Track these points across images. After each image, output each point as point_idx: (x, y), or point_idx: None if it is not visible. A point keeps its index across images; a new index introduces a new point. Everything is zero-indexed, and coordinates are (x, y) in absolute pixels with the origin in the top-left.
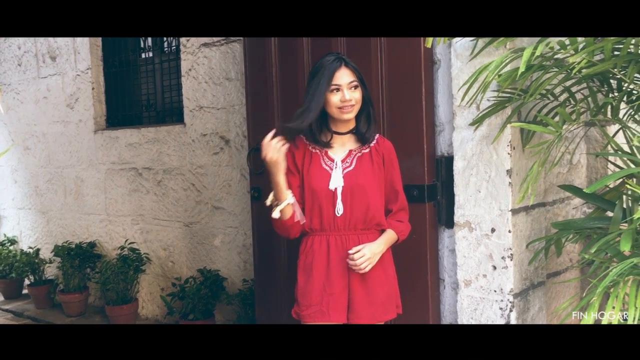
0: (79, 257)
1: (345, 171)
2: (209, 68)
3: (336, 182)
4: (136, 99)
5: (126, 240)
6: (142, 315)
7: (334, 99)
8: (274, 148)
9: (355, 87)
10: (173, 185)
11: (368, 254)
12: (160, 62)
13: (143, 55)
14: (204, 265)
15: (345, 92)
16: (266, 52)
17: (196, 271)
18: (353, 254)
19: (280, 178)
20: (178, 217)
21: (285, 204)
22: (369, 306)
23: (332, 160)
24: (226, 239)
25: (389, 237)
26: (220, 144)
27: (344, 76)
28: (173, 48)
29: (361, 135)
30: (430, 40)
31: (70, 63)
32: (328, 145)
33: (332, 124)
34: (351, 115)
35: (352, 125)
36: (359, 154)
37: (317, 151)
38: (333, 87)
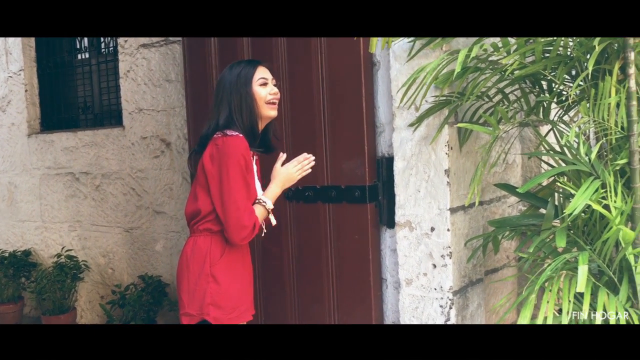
0: (13, 266)
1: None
2: (148, 69)
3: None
4: (72, 102)
5: (63, 248)
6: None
7: (262, 92)
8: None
9: (275, 85)
10: (112, 190)
11: None
12: (97, 63)
13: (79, 56)
14: (145, 272)
15: (271, 85)
16: (206, 53)
17: (137, 278)
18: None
19: None
20: (118, 223)
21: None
22: None
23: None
24: (168, 244)
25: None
26: (161, 147)
27: (267, 71)
28: (110, 49)
29: (267, 140)
30: (374, 45)
31: (2, 64)
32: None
33: None
34: (276, 112)
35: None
36: (257, 158)
37: (255, 157)
38: (261, 80)
